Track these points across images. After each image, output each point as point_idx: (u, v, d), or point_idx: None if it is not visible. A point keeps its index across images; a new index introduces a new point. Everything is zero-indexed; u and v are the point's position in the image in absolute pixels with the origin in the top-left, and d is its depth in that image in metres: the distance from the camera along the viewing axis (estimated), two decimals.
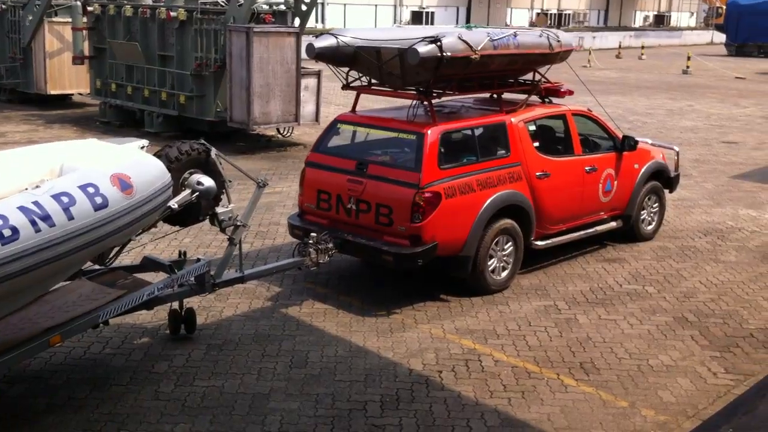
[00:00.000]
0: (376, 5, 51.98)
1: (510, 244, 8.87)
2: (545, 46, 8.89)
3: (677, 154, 11.54)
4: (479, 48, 8.01)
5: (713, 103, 26.33)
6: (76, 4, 19.17)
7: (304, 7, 16.95)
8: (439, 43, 7.70)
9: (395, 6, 53.35)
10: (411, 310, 8.31)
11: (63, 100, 22.51)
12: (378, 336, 7.67)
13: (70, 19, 19.93)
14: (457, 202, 8.19)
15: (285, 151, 16.73)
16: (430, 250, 8.02)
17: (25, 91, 22.00)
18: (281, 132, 17.48)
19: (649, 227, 10.94)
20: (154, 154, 6.98)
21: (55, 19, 20.63)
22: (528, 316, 8.28)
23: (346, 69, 8.79)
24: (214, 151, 7.27)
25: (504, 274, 8.89)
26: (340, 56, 8.45)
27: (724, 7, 56.36)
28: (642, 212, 10.74)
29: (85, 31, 19.46)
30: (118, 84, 18.81)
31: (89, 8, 19.14)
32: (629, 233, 10.74)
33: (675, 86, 31.52)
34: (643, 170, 10.55)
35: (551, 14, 62.35)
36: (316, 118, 16.97)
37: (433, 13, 54.95)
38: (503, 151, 8.84)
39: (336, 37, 8.39)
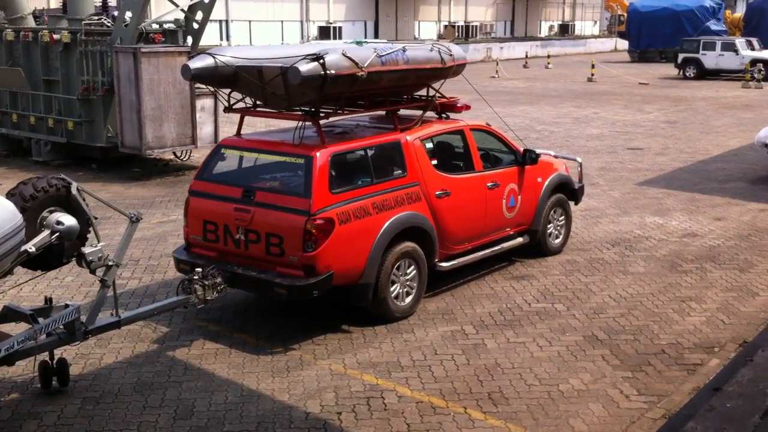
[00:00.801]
0: (282, 21, 51.31)
1: (413, 267, 8.43)
2: (437, 61, 8.50)
3: (580, 165, 11.33)
4: (366, 65, 7.56)
5: (618, 110, 26.62)
6: None
7: (195, 26, 16.27)
8: (321, 61, 7.22)
9: (302, 22, 52.79)
10: (310, 345, 7.76)
11: None
12: (273, 376, 7.09)
13: None
14: (353, 228, 7.69)
15: (183, 175, 15.99)
16: (326, 281, 7.50)
17: None
18: (178, 156, 16.74)
19: (557, 241, 10.66)
20: (7, 194, 6.27)
21: None
22: (434, 343, 7.83)
23: (228, 90, 8.21)
24: (75, 186, 6.61)
25: (408, 299, 8.44)
26: (220, 77, 7.87)
27: (626, 14, 57.72)
28: (548, 226, 10.46)
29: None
30: (2, 112, 17.74)
31: None
32: (537, 248, 10.43)
33: (580, 94, 31.87)
34: (546, 183, 10.27)
35: (458, 26, 62.77)
36: (215, 140, 16.28)
37: (340, 27, 54.58)
38: (400, 171, 8.40)
39: (214, 57, 7.81)
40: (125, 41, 15.12)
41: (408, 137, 8.55)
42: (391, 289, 8.21)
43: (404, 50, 8.11)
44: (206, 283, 7.46)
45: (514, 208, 9.75)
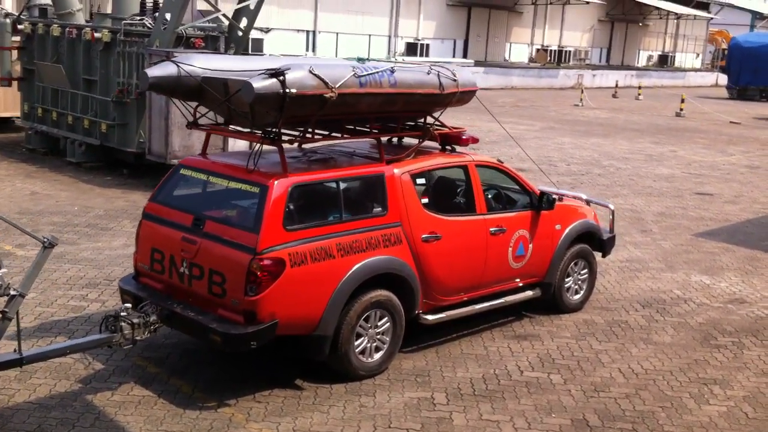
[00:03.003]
0: (369, 35, 50.74)
1: (386, 320, 7.38)
2: (433, 86, 7.43)
3: (612, 212, 10.03)
4: (337, 85, 6.56)
5: (698, 149, 24.83)
6: (5, 22, 17.88)
7: (240, 33, 15.61)
8: (281, 78, 6.26)
9: (390, 36, 52.11)
10: (250, 401, 6.78)
11: (5, 123, 21.17)
12: None
13: None
14: (308, 271, 6.70)
15: None
16: (268, 331, 6.52)
17: None
18: None
19: (576, 297, 9.41)
20: None
21: None
22: (393, 413, 6.74)
23: (195, 104, 7.36)
24: None
25: (378, 356, 7.38)
26: (183, 88, 7.00)
27: None
28: (567, 280, 9.23)
29: (14, 51, 18.15)
30: (44, 109, 17.48)
31: (20, 26, 17.85)
32: (552, 304, 9.22)
33: (663, 129, 30.05)
34: (566, 231, 9.05)
35: (551, 50, 61.04)
36: None
37: (428, 45, 53.66)
38: (379, 209, 7.36)
39: (177, 65, 6.94)
40: (162, 44, 14.54)
41: (395, 170, 7.51)
42: (356, 343, 7.18)
43: (392, 71, 7.08)
44: (135, 321, 6.58)
45: (522, 258, 8.57)
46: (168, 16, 14.53)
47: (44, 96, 17.48)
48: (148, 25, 15.51)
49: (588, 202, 9.99)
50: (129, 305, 6.72)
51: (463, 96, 7.86)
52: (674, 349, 8.49)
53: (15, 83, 18.34)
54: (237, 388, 6.98)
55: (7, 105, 19.92)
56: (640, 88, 47.31)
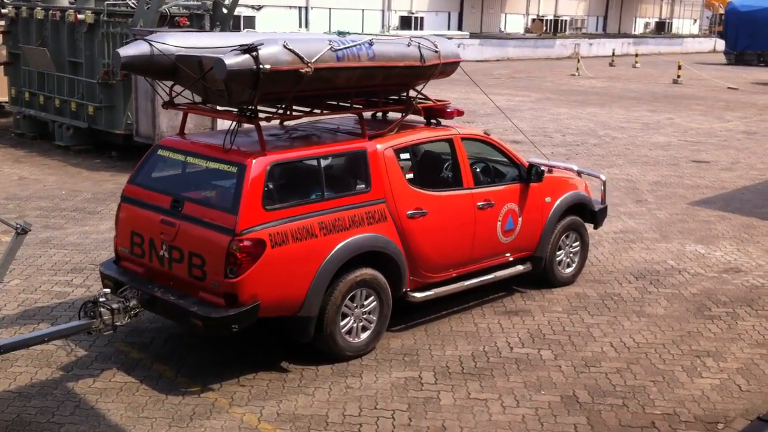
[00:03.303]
0: (363, 10, 50.26)
1: (372, 299, 7.25)
2: (413, 58, 7.23)
3: (604, 183, 9.86)
4: (313, 60, 6.37)
5: (695, 117, 24.60)
6: None
7: (224, 11, 15.36)
8: (254, 53, 6.08)
9: (383, 11, 51.63)
10: (234, 385, 6.67)
11: None
12: (170, 426, 6.03)
13: None
14: (290, 251, 6.55)
15: None
16: (250, 313, 6.39)
17: None
18: None
19: (568, 270, 9.28)
20: None
21: None
22: (379, 393, 6.63)
23: (170, 83, 7.18)
24: None
25: (365, 335, 7.26)
26: (156, 68, 6.83)
27: None
28: (558, 253, 9.09)
29: None
30: (31, 93, 17.27)
31: (3, 10, 17.59)
32: (544, 278, 9.09)
33: (660, 97, 29.79)
34: (557, 204, 8.89)
35: (547, 20, 60.53)
36: None
37: (422, 18, 53.22)
38: (362, 186, 7.20)
39: (150, 44, 6.77)
40: (146, 24, 14.30)
41: (378, 146, 7.34)
42: (342, 323, 7.05)
43: (371, 44, 6.88)
44: (114, 306, 6.46)
45: (512, 232, 8.43)
46: None
47: (31, 80, 17.26)
48: (132, 5, 15.28)
49: (579, 173, 9.82)
50: (108, 290, 6.59)
51: (445, 68, 7.67)
52: (667, 321, 8.37)
53: (1, 68, 18.09)
54: (221, 372, 6.87)
55: None
56: (637, 55, 46.99)
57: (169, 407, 6.27)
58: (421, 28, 52.28)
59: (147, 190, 7.10)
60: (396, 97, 7.89)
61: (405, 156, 7.70)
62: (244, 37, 7.29)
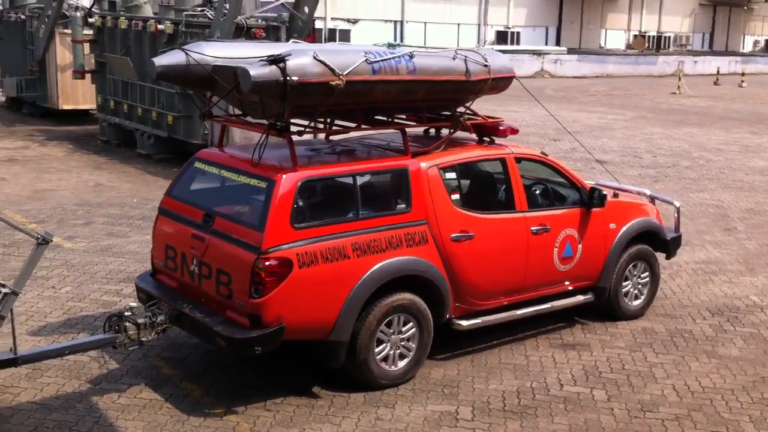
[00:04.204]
0: (458, 24, 49.97)
1: (411, 325, 6.85)
2: (458, 72, 6.81)
3: (677, 210, 9.17)
4: (346, 72, 6.05)
5: None
6: (76, 16, 18.09)
7: (300, 22, 15.26)
8: (282, 65, 5.80)
9: (479, 25, 51.20)
10: (260, 409, 6.38)
11: (85, 116, 21.51)
12: None
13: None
14: (320, 273, 6.23)
15: None
16: (274, 335, 6.09)
17: (42, 105, 21.20)
18: None
19: (636, 303, 8.64)
20: None
21: (66, 30, 19.62)
22: (410, 427, 6.22)
23: (209, 94, 6.99)
24: None
25: (402, 363, 6.87)
26: (192, 78, 6.64)
27: None
28: (625, 284, 8.47)
29: (86, 44, 18.33)
30: (116, 101, 17.60)
31: (91, 20, 18.02)
32: (608, 310, 8.49)
33: (765, 119, 28.25)
34: (623, 231, 8.29)
35: (650, 36, 58.86)
36: None
37: (519, 33, 52.52)
38: (402, 206, 6.82)
39: (187, 53, 6.59)
40: (222, 35, 14.33)
41: (422, 164, 6.95)
42: (377, 349, 6.68)
43: (411, 57, 6.52)
44: (140, 321, 6.27)
45: (571, 259, 7.89)
46: (227, 6, 14.30)
47: (115, 88, 17.59)
48: (209, 16, 15.35)
49: (652, 199, 9.19)
50: (135, 304, 6.41)
51: (496, 83, 7.22)
52: (740, 364, 7.65)
53: (88, 76, 18.53)
54: (249, 394, 6.59)
55: (85, 98, 20.19)
56: (743, 74, 44.97)
57: (188, 429, 6.03)
58: (518, 43, 51.61)
59: (182, 203, 6.92)
60: (446, 114, 7.48)
61: (452, 175, 7.28)
62: (285, 49, 7.04)
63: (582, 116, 26.84)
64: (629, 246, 8.39)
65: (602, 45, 56.66)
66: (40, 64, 20.49)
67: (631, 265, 8.49)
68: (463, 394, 6.79)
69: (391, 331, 6.74)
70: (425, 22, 48.46)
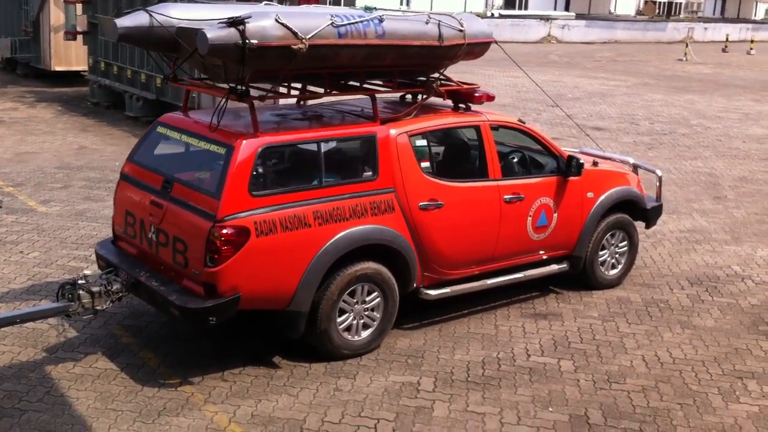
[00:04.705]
0: None
1: (375, 295, 6.72)
2: (431, 37, 6.60)
3: (659, 179, 8.98)
4: (309, 36, 5.86)
5: None
6: None
7: None
8: (241, 27, 5.62)
9: None
10: (216, 380, 6.28)
11: (78, 77, 21.29)
12: (134, 421, 5.68)
13: None
14: (279, 241, 6.09)
15: None
16: (228, 305, 5.97)
17: (36, 66, 21.02)
18: None
19: (612, 271, 8.50)
20: None
21: None
22: (369, 398, 6.12)
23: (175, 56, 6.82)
24: None
25: (366, 333, 6.76)
26: (156, 40, 6.46)
27: None
28: (601, 253, 8.32)
29: (79, 5, 18.09)
30: (106, 63, 17.39)
31: None
32: (584, 279, 8.35)
33: None
34: (600, 200, 8.12)
35: (661, 2, 57.96)
36: None
37: None
38: (369, 173, 6.66)
39: (150, 14, 6.41)
40: None
41: (391, 131, 6.78)
42: (340, 319, 6.57)
43: (380, 20, 6.31)
44: (95, 290, 6.16)
45: (545, 228, 7.73)
46: None
47: (106, 50, 17.38)
48: None
49: (635, 167, 9.00)
50: (88, 272, 6.29)
51: (472, 48, 7.00)
52: (714, 334, 7.52)
53: (80, 37, 18.31)
54: (207, 364, 6.49)
55: (78, 59, 19.98)
56: (752, 41, 44.31)
57: (141, 400, 5.94)
58: (526, 8, 50.97)
59: (143, 169, 6.77)
60: (421, 79, 7.29)
61: (422, 143, 7.11)
62: (246, 8, 6.83)
63: (583, 82, 26.50)
64: (607, 215, 8.23)
65: (612, 11, 55.83)
66: (34, 25, 20.28)
67: (608, 234, 8.33)
68: (427, 365, 6.69)
69: (355, 300, 6.62)
70: None
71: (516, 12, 48.58)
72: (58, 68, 20.12)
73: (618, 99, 22.88)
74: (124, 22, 6.40)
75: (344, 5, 40.70)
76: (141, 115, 16.34)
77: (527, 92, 22.40)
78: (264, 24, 5.73)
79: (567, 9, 52.90)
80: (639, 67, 32.56)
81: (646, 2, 57.30)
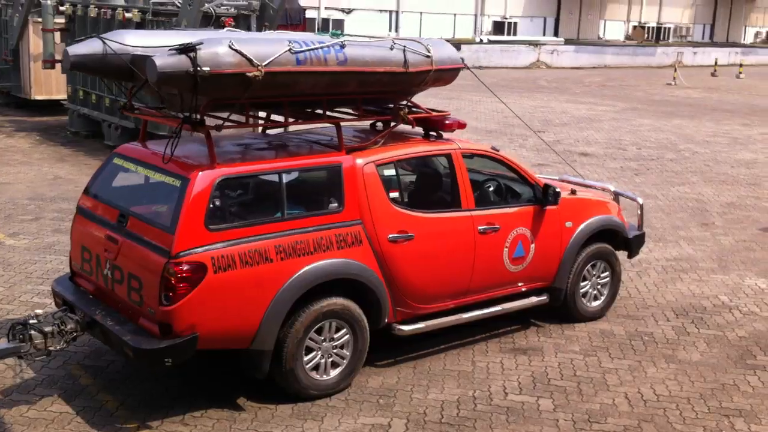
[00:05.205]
0: (455, 14, 49.37)
1: (344, 332, 6.43)
2: (395, 63, 6.36)
3: (641, 207, 8.72)
4: (266, 63, 5.62)
5: None
6: (47, 4, 17.59)
7: (272, 11, 14.83)
8: (192, 54, 5.38)
9: (476, 15, 50.56)
10: (176, 423, 5.96)
11: (59, 106, 21.01)
12: None
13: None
14: (238, 277, 5.80)
15: None
16: (186, 345, 5.67)
17: (16, 95, 20.76)
18: None
19: (594, 303, 8.22)
20: None
21: (39, 19, 19.10)
22: None
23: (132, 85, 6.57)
24: None
25: (335, 372, 6.45)
26: (111, 68, 6.21)
27: None
28: (583, 284, 8.05)
29: (57, 33, 17.87)
30: (85, 91, 17.15)
31: (62, 8, 17.57)
32: (565, 311, 8.07)
33: (758, 110, 27.74)
34: (580, 229, 7.86)
35: (650, 27, 58.20)
36: None
37: (516, 23, 51.89)
38: (335, 205, 6.39)
39: (104, 42, 6.16)
40: (189, 24, 13.89)
41: (358, 161, 6.51)
42: (307, 358, 6.26)
43: (342, 46, 6.07)
44: (47, 330, 5.86)
45: (522, 259, 7.46)
46: None
47: (85, 78, 17.13)
48: (177, 5, 14.89)
49: (616, 195, 8.76)
50: (40, 311, 6.00)
51: (440, 75, 6.77)
52: (700, 369, 7.23)
53: (58, 66, 18.05)
54: (169, 406, 6.18)
55: (58, 88, 19.72)
56: (741, 65, 44.37)
57: None
58: (515, 34, 51.02)
59: (98, 202, 6.50)
60: (391, 107, 7.03)
61: (391, 172, 6.85)
62: (198, 35, 6.59)
63: (571, 107, 26.36)
64: (587, 245, 7.97)
65: (601, 36, 56.07)
66: (14, 54, 20.04)
67: (589, 265, 8.07)
68: (400, 405, 6.38)
69: (322, 338, 6.33)
70: (421, 12, 47.90)
71: (505, 38, 48.64)
72: (38, 97, 19.85)
73: (606, 124, 22.72)
74: (77, 49, 6.16)
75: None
76: (119, 144, 16.04)
77: (514, 118, 22.18)
78: (217, 50, 5.49)
79: (556, 34, 53.03)
80: (628, 92, 32.47)
81: (635, 27, 57.55)
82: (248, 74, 5.56)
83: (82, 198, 6.69)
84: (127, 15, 15.18)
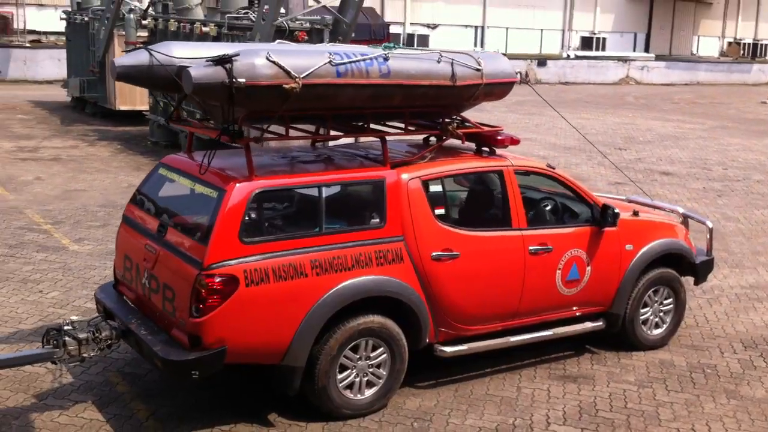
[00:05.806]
0: (541, 29, 48.69)
1: (381, 350, 6.24)
2: (442, 77, 6.16)
3: (710, 231, 8.26)
4: (304, 75, 5.51)
5: None
6: (130, 18, 18.12)
7: (345, 26, 14.81)
8: (228, 65, 5.31)
9: (563, 31, 49.75)
10: None
11: (142, 117, 21.57)
12: None
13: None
14: (271, 291, 5.69)
15: None
16: (213, 358, 5.59)
17: (102, 105, 21.42)
18: None
19: (656, 331, 7.81)
20: None
21: (124, 32, 19.69)
22: None
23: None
24: None
25: (370, 392, 6.27)
26: (157, 79, 6.18)
27: None
28: (643, 311, 7.66)
29: (139, 46, 18.31)
30: (165, 102, 17.48)
31: (144, 22, 18.03)
32: (623, 338, 7.69)
33: None
34: (641, 253, 7.47)
35: (745, 44, 56.19)
36: None
37: (605, 39, 50.80)
38: (376, 220, 6.23)
39: (150, 53, 6.16)
40: (263, 38, 14.00)
41: (403, 176, 6.34)
42: (341, 376, 6.11)
43: (385, 59, 5.92)
44: (81, 336, 5.87)
45: (577, 283, 7.14)
46: (267, 8, 13.97)
47: None
48: (252, 19, 15.04)
49: (685, 218, 8.33)
50: (75, 318, 6.02)
51: (491, 89, 6.53)
52: (763, 407, 6.76)
53: None
54: (199, 419, 6.11)
55: (142, 99, 20.24)
56: None
57: None
58: (604, 50, 49.98)
59: (142, 211, 6.51)
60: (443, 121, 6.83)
61: (437, 188, 6.65)
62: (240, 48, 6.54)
63: (657, 125, 25.57)
64: (649, 269, 7.57)
65: (694, 52, 54.41)
66: (101, 65, 20.67)
67: (651, 291, 7.67)
68: (434, 429, 6.15)
69: (358, 356, 6.16)
70: (507, 28, 47.40)
71: (593, 53, 47.73)
72: (122, 107, 20.44)
73: (692, 142, 21.93)
74: (124, 60, 6.15)
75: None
76: None
77: (595, 134, 21.67)
78: (253, 62, 5.41)
79: (647, 50, 51.71)
80: (719, 110, 31.35)
81: (730, 44, 55.65)
82: (285, 86, 5.46)
83: (128, 207, 6.72)
84: (204, 29, 15.45)
